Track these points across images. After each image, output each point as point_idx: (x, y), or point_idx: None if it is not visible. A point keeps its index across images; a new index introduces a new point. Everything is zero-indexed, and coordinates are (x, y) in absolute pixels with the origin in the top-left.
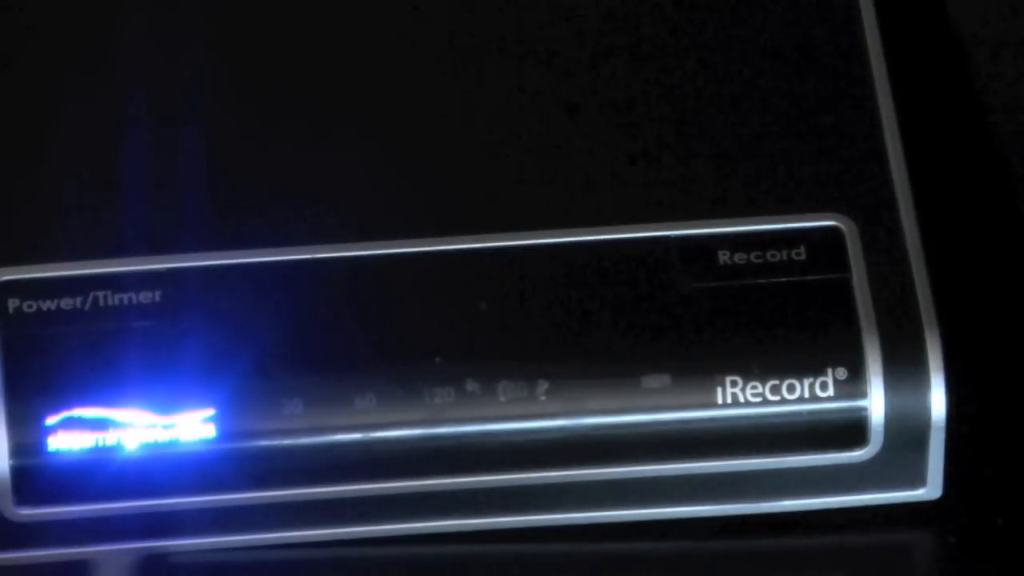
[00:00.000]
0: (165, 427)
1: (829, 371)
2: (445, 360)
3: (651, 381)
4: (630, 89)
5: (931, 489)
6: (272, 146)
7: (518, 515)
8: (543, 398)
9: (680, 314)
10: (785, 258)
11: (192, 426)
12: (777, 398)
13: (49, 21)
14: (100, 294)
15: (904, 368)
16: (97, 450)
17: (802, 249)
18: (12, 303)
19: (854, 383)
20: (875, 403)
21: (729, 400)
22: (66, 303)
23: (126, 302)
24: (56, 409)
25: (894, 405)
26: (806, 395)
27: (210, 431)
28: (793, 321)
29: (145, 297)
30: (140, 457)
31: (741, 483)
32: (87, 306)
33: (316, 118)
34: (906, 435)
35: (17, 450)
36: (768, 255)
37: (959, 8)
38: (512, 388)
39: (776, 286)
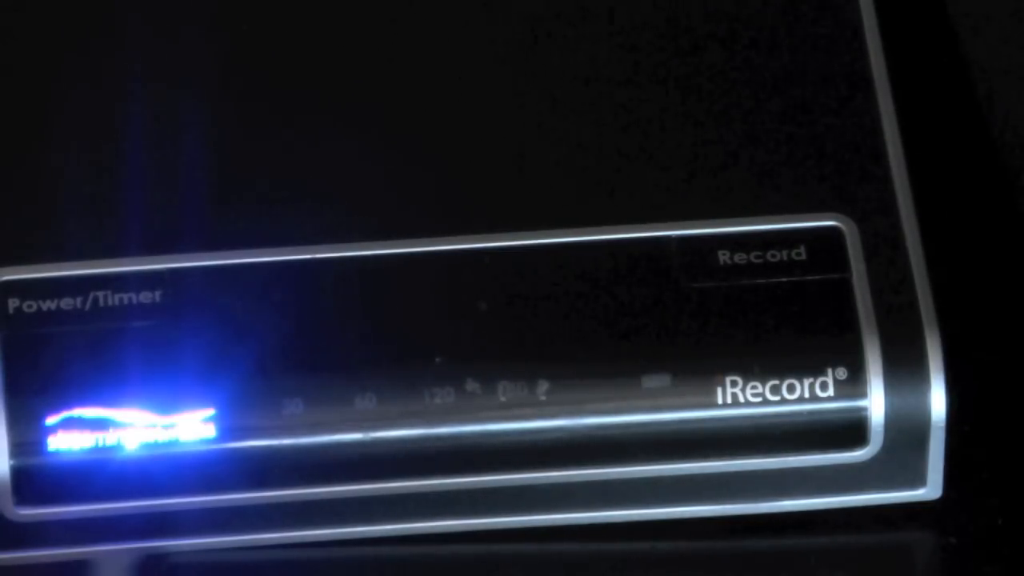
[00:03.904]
0: (165, 427)
1: (829, 371)
2: (445, 360)
3: (651, 381)
4: (630, 89)
5: (931, 489)
6: (272, 146)
7: (518, 515)
8: (543, 398)
9: (680, 314)
10: (785, 258)
11: (192, 426)
12: (777, 398)
13: (49, 19)
14: (100, 294)
15: (904, 368)
16: (97, 450)
17: (802, 249)
18: (12, 303)
19: (854, 383)
20: (875, 403)
21: (729, 400)
22: (66, 303)
23: (126, 302)
24: (56, 409)
25: (894, 405)
26: (806, 395)
27: (210, 431)
28: (793, 321)
29: (145, 297)
30: (140, 457)
31: (741, 483)
32: (87, 306)
33: (316, 118)
34: (906, 435)
35: (17, 450)
36: (768, 255)
37: (959, 8)
38: (512, 388)
39: (776, 286)
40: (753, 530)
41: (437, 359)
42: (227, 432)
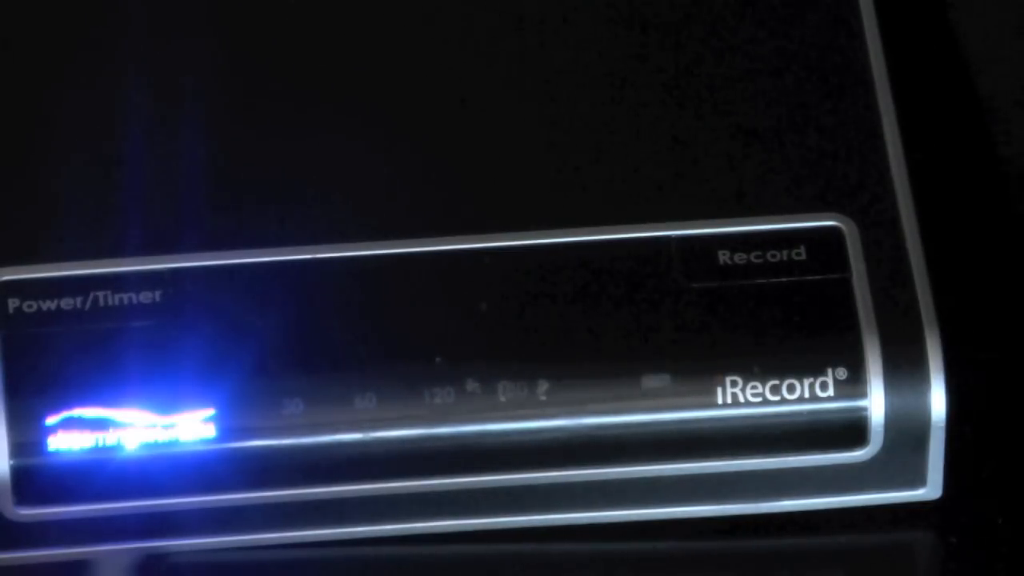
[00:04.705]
0: (165, 427)
1: (829, 371)
2: (445, 360)
3: (651, 381)
4: (631, 89)
5: (931, 489)
6: (272, 146)
7: (518, 515)
8: (543, 398)
9: (680, 314)
10: (785, 258)
11: (192, 426)
12: (777, 398)
13: (48, 19)
14: (100, 294)
15: (904, 368)
16: (97, 450)
17: (802, 249)
18: (12, 303)
19: (854, 383)
20: (875, 403)
21: (729, 400)
22: (66, 303)
23: (126, 302)
24: (56, 409)
25: (894, 405)
26: (806, 395)
27: (210, 431)
28: (793, 321)
29: (145, 297)
30: (140, 457)
31: (741, 483)
32: (87, 306)
33: (317, 118)
34: (906, 435)
35: (17, 450)
36: (768, 255)
37: (959, 8)
38: (512, 388)
39: (776, 286)
40: (753, 530)
41: (437, 359)
42: (227, 432)
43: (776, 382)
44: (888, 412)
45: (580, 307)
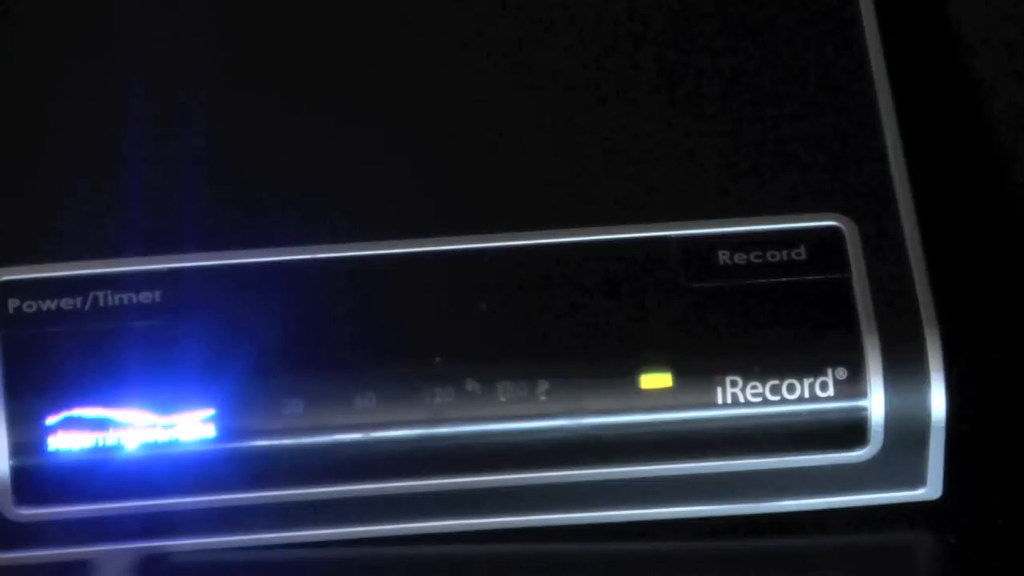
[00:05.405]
0: (165, 427)
1: (829, 371)
2: (445, 360)
3: (651, 381)
4: (630, 89)
5: (931, 489)
6: (272, 146)
7: (518, 515)
8: (543, 398)
9: (680, 314)
10: (785, 258)
11: (192, 426)
12: (777, 398)
13: (49, 19)
14: (100, 294)
15: (904, 368)
16: (97, 450)
17: (802, 249)
18: (12, 303)
19: (854, 383)
20: (875, 403)
21: (729, 400)
22: (66, 303)
23: (126, 302)
24: (56, 409)
25: (894, 405)
26: (806, 395)
27: (210, 431)
28: (793, 321)
29: (145, 297)
30: (140, 457)
31: (741, 483)
32: (87, 306)
33: (316, 118)
34: (906, 435)
35: (17, 450)
36: (768, 255)
37: (959, 8)
38: (512, 388)
39: (776, 286)
40: (754, 530)
41: (437, 359)
42: (227, 432)
43: (776, 382)
44: (888, 412)
45: (580, 307)
